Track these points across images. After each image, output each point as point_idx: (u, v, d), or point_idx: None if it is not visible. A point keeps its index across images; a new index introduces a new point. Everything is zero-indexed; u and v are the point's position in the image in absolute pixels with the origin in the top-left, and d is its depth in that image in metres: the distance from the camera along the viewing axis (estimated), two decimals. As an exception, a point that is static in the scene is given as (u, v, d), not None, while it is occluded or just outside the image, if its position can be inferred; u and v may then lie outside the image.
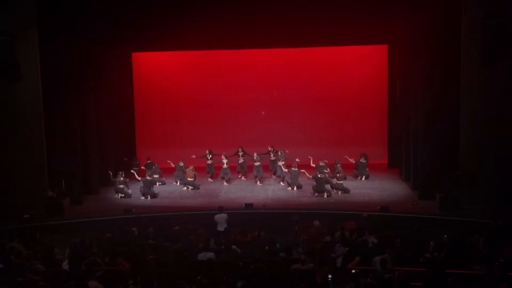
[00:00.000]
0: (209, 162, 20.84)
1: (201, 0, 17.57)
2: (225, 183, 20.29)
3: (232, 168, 20.77)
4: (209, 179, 20.83)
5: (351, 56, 22.55)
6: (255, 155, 20.18)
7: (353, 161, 20.58)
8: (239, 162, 20.87)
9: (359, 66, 22.64)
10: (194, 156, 20.57)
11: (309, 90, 22.78)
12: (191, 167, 19.98)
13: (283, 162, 20.11)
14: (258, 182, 20.21)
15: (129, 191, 19.25)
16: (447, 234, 13.30)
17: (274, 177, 20.75)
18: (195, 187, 19.84)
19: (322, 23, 18.53)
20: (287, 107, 22.87)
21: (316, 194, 18.60)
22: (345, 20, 18.26)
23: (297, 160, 19.64)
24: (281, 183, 20.06)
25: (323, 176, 18.59)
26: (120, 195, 19.08)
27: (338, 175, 19.12)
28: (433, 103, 17.71)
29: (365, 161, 20.57)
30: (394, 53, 21.48)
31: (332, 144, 22.27)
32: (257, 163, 20.17)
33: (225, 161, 20.36)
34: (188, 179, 19.83)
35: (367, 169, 20.69)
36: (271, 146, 20.93)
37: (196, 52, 22.41)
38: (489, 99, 16.03)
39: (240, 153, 20.80)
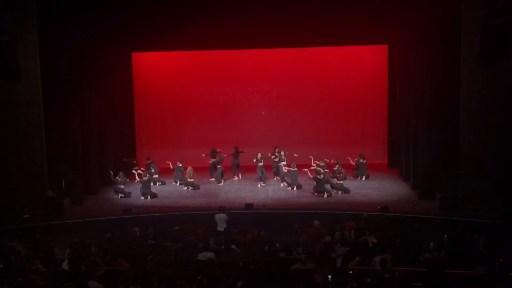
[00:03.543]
0: (210, 161, 20.82)
1: (201, 0, 17.57)
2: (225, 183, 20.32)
3: (227, 168, 20.77)
4: (211, 179, 20.82)
5: (351, 56, 22.54)
6: (259, 155, 20.13)
7: (354, 163, 20.56)
8: (236, 163, 20.86)
9: (359, 66, 22.64)
10: (203, 155, 20.70)
11: (309, 90, 22.77)
12: (189, 168, 19.97)
13: (284, 163, 20.08)
14: (262, 183, 20.13)
15: (129, 191, 19.26)
16: (447, 234, 13.29)
17: (277, 178, 20.67)
18: (195, 187, 19.84)
19: (322, 23, 18.50)
20: (287, 107, 22.85)
21: (316, 194, 18.60)
22: (345, 20, 18.21)
23: (282, 154, 19.89)
24: (282, 184, 19.99)
25: (322, 177, 18.55)
26: (120, 195, 19.08)
27: (338, 175, 19.11)
28: (433, 103, 17.70)
29: (364, 161, 20.56)
30: (394, 53, 21.48)
31: (332, 144, 22.25)
32: (260, 164, 20.11)
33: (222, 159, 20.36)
34: (188, 179, 19.82)
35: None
36: (276, 147, 20.80)
37: (196, 52, 22.40)
38: (489, 99, 16.02)
39: (236, 153, 20.77)
